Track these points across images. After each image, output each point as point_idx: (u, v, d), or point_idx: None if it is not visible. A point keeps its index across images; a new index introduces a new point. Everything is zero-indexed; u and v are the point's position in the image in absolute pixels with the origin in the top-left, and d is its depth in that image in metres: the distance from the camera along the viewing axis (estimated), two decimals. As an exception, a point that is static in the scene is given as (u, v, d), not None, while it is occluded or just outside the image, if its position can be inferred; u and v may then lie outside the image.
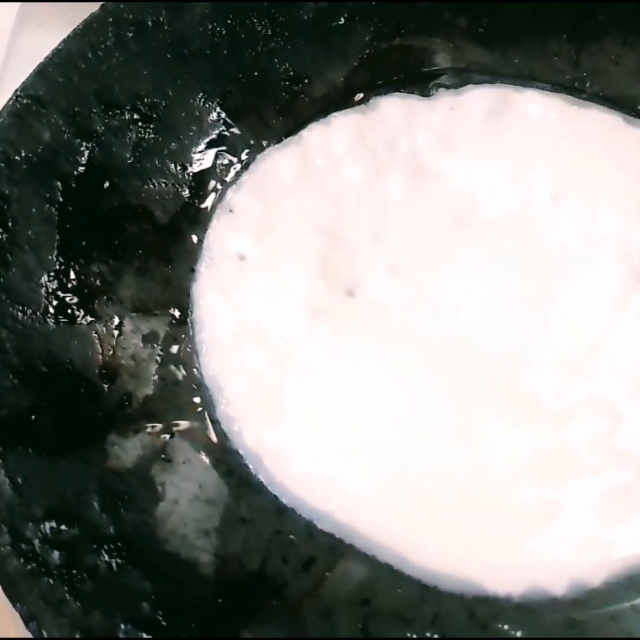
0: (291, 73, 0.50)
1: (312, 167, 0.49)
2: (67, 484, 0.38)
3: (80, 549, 0.36)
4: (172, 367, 0.43)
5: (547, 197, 0.48)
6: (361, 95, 0.51)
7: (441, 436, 0.40)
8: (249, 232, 0.46)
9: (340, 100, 0.51)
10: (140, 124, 0.46)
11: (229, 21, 0.50)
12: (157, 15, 0.48)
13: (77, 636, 0.33)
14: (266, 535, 0.39)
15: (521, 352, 0.44)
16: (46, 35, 0.49)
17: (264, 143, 0.49)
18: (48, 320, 0.42)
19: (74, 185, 0.44)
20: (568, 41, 0.51)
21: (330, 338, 0.44)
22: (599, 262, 0.46)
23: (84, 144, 0.45)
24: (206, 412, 0.41)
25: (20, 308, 0.41)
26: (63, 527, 0.36)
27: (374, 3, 0.51)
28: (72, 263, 0.43)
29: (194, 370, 0.43)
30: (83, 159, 0.45)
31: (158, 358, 0.43)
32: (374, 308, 0.45)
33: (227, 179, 0.48)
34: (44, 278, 0.42)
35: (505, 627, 0.37)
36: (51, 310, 0.42)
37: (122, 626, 0.35)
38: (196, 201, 0.47)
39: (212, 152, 0.49)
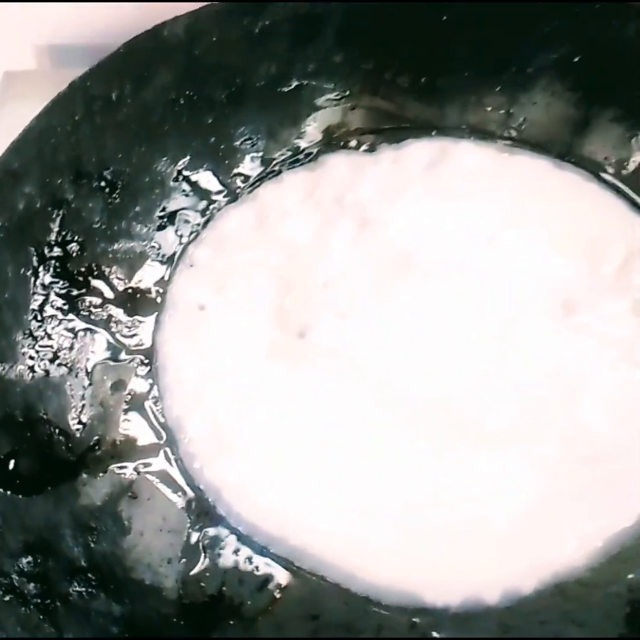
0: (245, 136, 0.54)
1: (266, 221, 0.53)
2: (42, 520, 0.42)
3: (54, 580, 0.40)
4: (138, 411, 0.47)
5: (484, 240, 0.52)
6: (310, 153, 0.56)
7: (382, 466, 0.44)
8: (209, 284, 0.51)
9: (291, 158, 0.56)
10: (107, 190, 0.50)
11: (187, 91, 0.54)
12: (121, 89, 0.53)
13: None
14: (224, 561, 0.42)
15: (461, 383, 0.48)
16: (27, 108, 0.52)
17: (221, 202, 0.54)
18: (24, 374, 0.46)
19: (46, 250, 0.48)
20: (500, 94, 0.56)
21: (285, 378, 0.48)
22: (535, 297, 0.50)
23: (55, 211, 0.48)
24: (169, 451, 0.45)
25: (2, 366, 0.45)
26: (38, 560, 0.40)
27: (320, 68, 0.55)
28: (47, 320, 0.47)
29: (158, 412, 0.46)
30: (55, 225, 0.48)
31: (125, 404, 0.47)
32: (325, 349, 0.48)
33: (188, 236, 0.53)
34: (20, 336, 0.46)
35: (443, 634, 0.40)
36: (27, 364, 0.46)
37: None
38: (160, 258, 0.51)
39: (174, 212, 0.53)
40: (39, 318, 0.47)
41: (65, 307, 0.48)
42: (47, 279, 0.48)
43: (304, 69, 0.55)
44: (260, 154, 0.55)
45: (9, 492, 0.41)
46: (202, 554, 0.42)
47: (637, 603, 0.40)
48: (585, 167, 0.54)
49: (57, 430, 0.44)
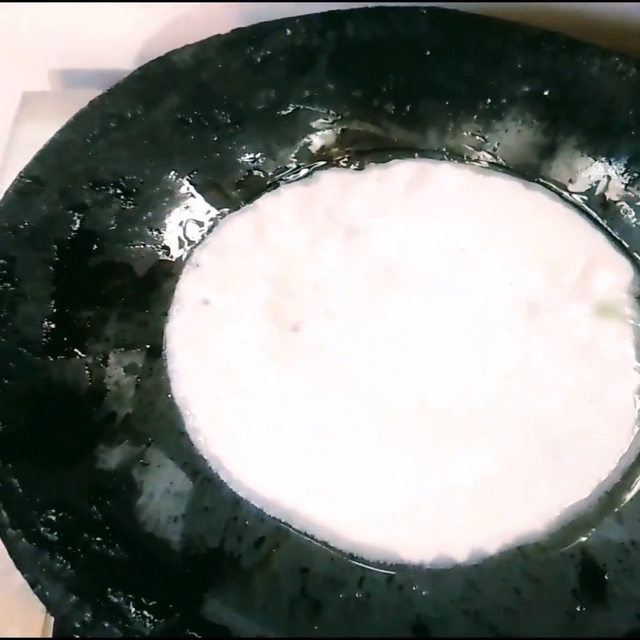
0: (247, 153, 0.59)
1: (264, 230, 0.58)
2: (64, 483, 0.46)
3: (74, 531, 0.44)
4: (148, 391, 0.51)
5: (459, 251, 0.58)
6: (305, 170, 0.62)
7: (364, 445, 0.50)
8: (212, 282, 0.56)
9: (287, 174, 0.62)
10: (121, 197, 0.54)
11: (195, 112, 0.60)
12: (134, 108, 0.58)
13: (70, 595, 0.42)
14: (225, 521, 0.47)
15: (434, 375, 0.54)
16: (44, 125, 0.58)
17: (225, 211, 0.60)
18: (47, 355, 0.50)
19: (67, 247, 0.52)
20: (476, 122, 0.62)
21: (278, 367, 0.53)
22: (504, 303, 0.57)
23: (75, 214, 0.52)
24: (176, 426, 0.50)
25: (25, 346, 0.50)
26: (60, 515, 0.45)
27: (314, 94, 0.62)
28: (66, 310, 0.52)
29: (167, 393, 0.51)
30: (74, 226, 0.52)
31: (137, 384, 0.51)
32: (315, 342, 0.54)
33: (194, 240, 0.58)
34: (44, 322, 0.51)
35: (416, 587, 0.46)
36: (49, 347, 0.51)
37: (109, 589, 0.43)
38: (168, 258, 0.55)
39: (182, 219, 0.57)
40: (61, 307, 0.51)
41: (85, 298, 0.53)
42: (67, 272, 0.53)
43: (300, 95, 0.61)
44: (260, 169, 0.61)
45: (34, 458, 0.46)
46: (205, 514, 0.46)
47: (587, 563, 0.45)
48: (551, 188, 0.60)
49: (76, 405, 0.49)
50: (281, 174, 0.60)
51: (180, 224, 0.57)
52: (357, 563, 0.46)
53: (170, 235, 0.56)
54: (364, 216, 0.57)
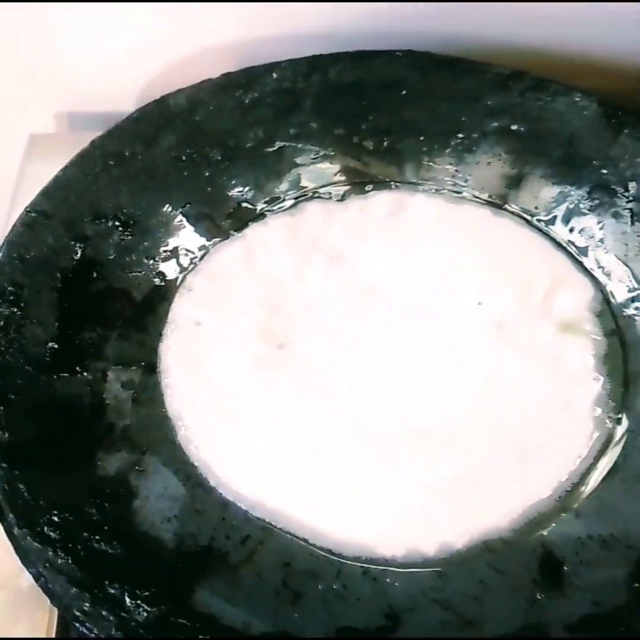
0: (237, 187, 0.63)
1: (253, 256, 0.63)
2: (67, 487, 0.50)
3: (75, 530, 0.48)
4: (144, 405, 0.55)
5: (432, 274, 0.63)
6: (291, 201, 0.67)
7: (343, 453, 0.54)
8: (204, 305, 0.60)
9: (274, 205, 0.67)
10: (120, 229, 0.58)
11: (188, 150, 0.65)
12: (133, 147, 0.61)
13: (71, 587, 0.46)
14: (214, 521, 0.51)
15: (409, 385, 0.58)
16: (49, 164, 0.62)
17: (216, 240, 0.63)
18: (51, 373, 0.54)
19: (70, 275, 0.55)
20: (449, 156, 0.67)
21: (265, 382, 0.57)
22: (475, 320, 0.61)
23: (77, 244, 0.56)
24: (170, 436, 0.54)
25: (31, 364, 0.54)
26: (63, 516, 0.48)
27: (300, 132, 0.68)
28: (69, 332, 0.56)
29: (161, 406, 0.56)
30: (77, 256, 0.56)
31: (134, 398, 0.55)
32: (301, 359, 0.58)
33: (187, 266, 0.60)
34: (49, 343, 0.55)
35: (389, 579, 0.50)
36: (54, 366, 0.55)
37: (106, 581, 0.47)
38: (163, 284, 0.58)
39: (176, 248, 0.61)
40: (65, 329, 0.56)
41: (87, 321, 0.57)
42: (70, 298, 0.57)
43: (286, 134, 0.66)
44: (249, 201, 0.66)
45: (39, 465, 0.49)
46: (196, 515, 0.51)
47: (547, 555, 0.49)
48: (518, 215, 0.65)
49: (78, 418, 0.53)
50: (269, 206, 0.63)
51: (175, 252, 0.60)
52: (335, 558, 0.50)
53: (165, 262, 0.60)
54: (346, 243, 0.61)
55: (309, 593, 0.49)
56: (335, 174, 0.65)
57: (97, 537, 0.49)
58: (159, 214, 0.61)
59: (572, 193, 0.62)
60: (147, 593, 0.47)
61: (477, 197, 0.64)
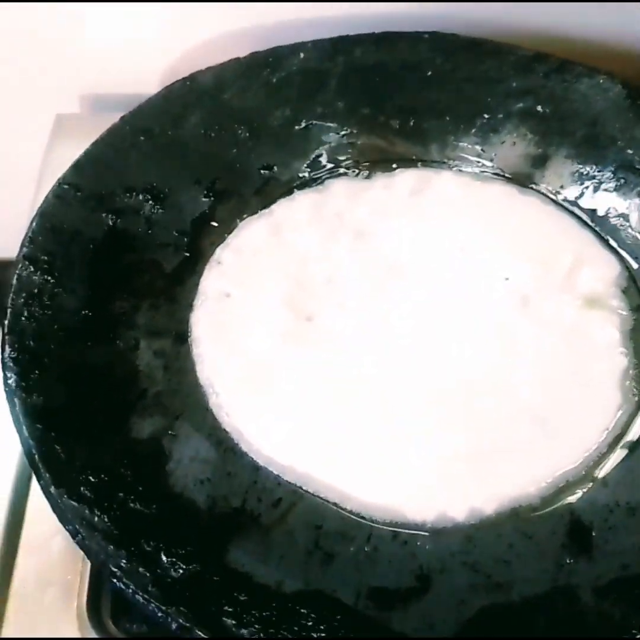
0: (264, 164, 0.65)
1: (280, 232, 0.64)
2: (101, 449, 0.51)
3: (110, 490, 0.49)
4: (176, 372, 0.57)
5: (457, 250, 0.64)
6: (317, 178, 0.68)
7: (371, 419, 0.55)
8: (233, 277, 0.62)
9: (301, 182, 0.68)
10: (150, 202, 0.60)
11: (216, 127, 0.67)
12: (161, 124, 0.65)
13: (107, 544, 0.47)
14: (246, 484, 0.52)
15: (437, 357, 0.59)
16: (74, 143, 0.65)
17: (243, 215, 0.64)
18: (85, 341, 0.56)
19: (102, 246, 0.57)
20: (474, 135, 0.68)
21: (293, 351, 0.58)
22: (499, 292, 0.63)
23: (109, 217, 0.58)
24: (202, 403, 0.55)
25: (66, 333, 0.55)
26: (99, 477, 0.50)
27: (326, 112, 0.69)
28: (101, 301, 0.58)
29: (192, 374, 0.57)
30: (108, 227, 0.58)
31: (165, 366, 0.57)
32: (327, 331, 0.60)
33: (216, 240, 0.64)
34: (82, 311, 0.56)
35: (419, 542, 0.51)
36: (87, 334, 0.56)
37: (142, 539, 0.48)
38: (193, 256, 0.60)
39: (205, 222, 0.63)
40: (96, 299, 0.57)
41: (118, 291, 0.59)
42: (103, 268, 0.59)
43: (313, 112, 0.68)
44: (276, 178, 0.67)
45: (77, 428, 0.51)
46: (228, 478, 0.52)
47: (575, 522, 0.50)
48: (543, 193, 0.66)
49: (112, 384, 0.55)
50: (295, 183, 0.64)
51: (203, 225, 0.61)
52: (365, 521, 0.51)
53: (195, 236, 0.61)
54: (371, 220, 0.62)
55: (341, 554, 0.50)
56: (361, 153, 0.66)
57: (132, 497, 0.50)
58: (187, 189, 0.62)
59: (596, 173, 0.63)
60: (182, 551, 0.48)
61: (503, 176, 0.65)
